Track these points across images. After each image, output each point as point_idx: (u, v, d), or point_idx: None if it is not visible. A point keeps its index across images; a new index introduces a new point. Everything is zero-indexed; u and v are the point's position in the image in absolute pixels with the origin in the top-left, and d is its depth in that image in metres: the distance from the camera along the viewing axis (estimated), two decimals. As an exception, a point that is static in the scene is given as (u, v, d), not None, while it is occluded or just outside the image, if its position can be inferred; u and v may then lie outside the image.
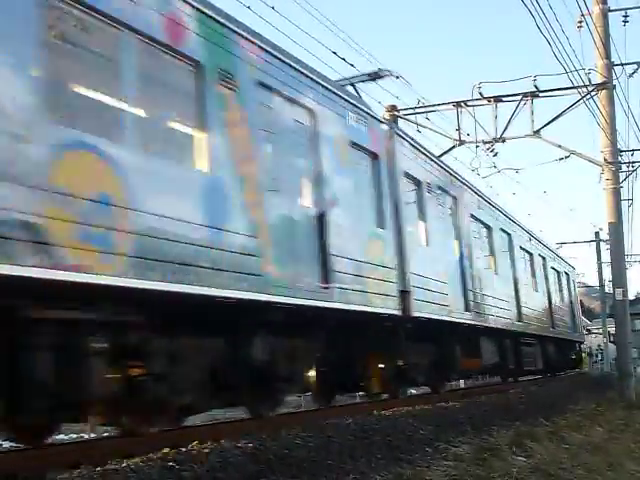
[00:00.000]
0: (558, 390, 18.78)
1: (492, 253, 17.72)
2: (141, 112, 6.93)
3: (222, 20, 8.05)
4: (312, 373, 11.81)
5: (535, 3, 11.74)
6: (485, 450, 8.00)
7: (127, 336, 6.89)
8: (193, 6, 7.60)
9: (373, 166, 11.38)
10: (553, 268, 25.72)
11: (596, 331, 51.57)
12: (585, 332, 49.50)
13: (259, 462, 6.39)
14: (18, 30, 5.73)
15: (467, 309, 14.74)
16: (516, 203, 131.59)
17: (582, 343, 33.91)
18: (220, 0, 8.29)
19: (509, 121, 18.59)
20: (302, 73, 9.56)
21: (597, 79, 17.97)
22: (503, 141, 18.89)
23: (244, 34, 8.42)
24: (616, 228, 18.17)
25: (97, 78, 6.58)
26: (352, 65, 15.61)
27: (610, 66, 18.05)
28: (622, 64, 18.65)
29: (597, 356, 48.83)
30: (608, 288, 38.49)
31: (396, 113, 18.99)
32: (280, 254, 8.47)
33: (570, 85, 17.33)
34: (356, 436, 8.08)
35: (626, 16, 18.72)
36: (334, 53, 14.47)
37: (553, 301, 24.38)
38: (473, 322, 14.93)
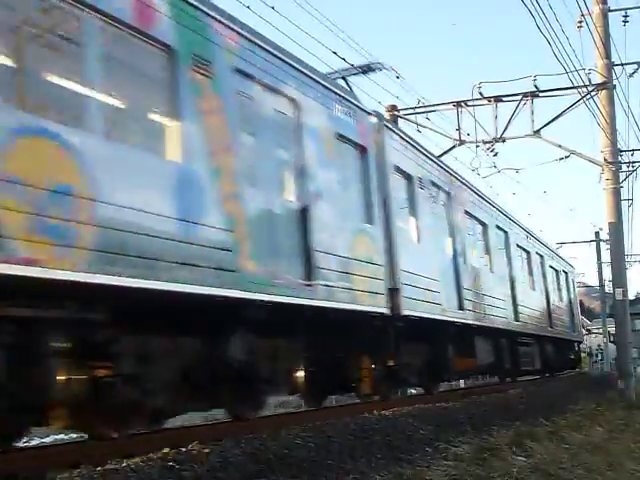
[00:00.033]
0: (558, 390, 18.68)
1: (487, 251, 17.31)
2: (106, 98, 6.55)
3: (196, 3, 7.64)
4: (301, 374, 11.55)
5: (535, 3, 11.73)
6: (485, 450, 7.97)
7: (92, 335, 6.49)
8: (164, -13, 7.20)
9: (361, 159, 10.98)
10: (551, 267, 25.30)
11: (596, 331, 51.60)
12: (585, 332, 49.35)
13: (259, 462, 6.34)
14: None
15: (461, 308, 14.32)
16: (516, 203, 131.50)
17: (581, 343, 33.53)
18: (220, 0, 8.19)
19: (509, 121, 18.72)
20: (284, 61, 9.16)
21: (597, 79, 17.99)
22: (503, 141, 18.97)
23: (220, 18, 8.02)
24: (616, 228, 18.19)
25: (56, 61, 6.19)
26: (353, 65, 15.60)
27: (610, 66, 18.07)
28: (622, 64, 18.73)
29: (597, 356, 48.68)
30: (608, 288, 38.47)
31: (396, 113, 19.41)
32: (259, 249, 8.08)
33: (570, 85, 17.39)
34: (356, 436, 8.03)
35: (626, 16, 18.81)
36: (334, 53, 14.40)
37: (551, 300, 23.95)
38: (467, 321, 14.51)
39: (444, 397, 14.14)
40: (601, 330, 45.68)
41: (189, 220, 7.11)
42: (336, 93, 10.42)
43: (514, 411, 12.52)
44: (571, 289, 29.02)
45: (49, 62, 6.16)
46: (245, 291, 7.72)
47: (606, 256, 38.09)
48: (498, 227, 18.59)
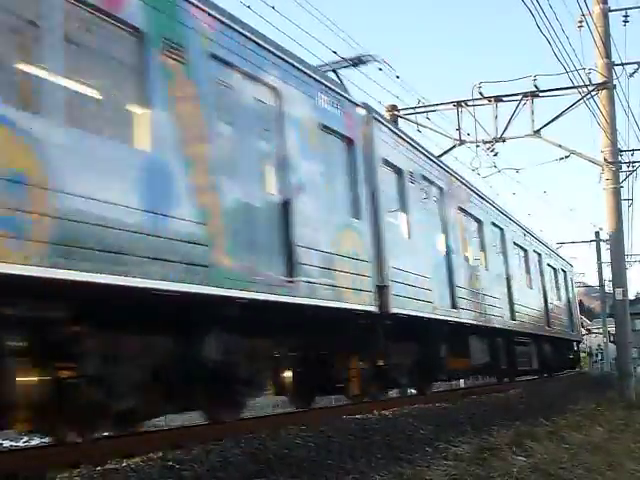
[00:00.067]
0: (558, 390, 18.57)
1: (482, 248, 16.90)
2: (68, 83, 6.16)
3: None
4: (288, 374, 11.20)
5: (535, 3, 11.69)
6: (485, 450, 7.95)
7: (53, 334, 6.13)
8: (132, -34, 6.81)
9: (348, 152, 10.59)
10: (549, 265, 24.87)
11: (596, 331, 51.51)
12: (585, 332, 49.15)
13: (259, 462, 6.32)
14: None
15: (454, 306, 13.92)
16: (516, 203, 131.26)
17: (580, 342, 33.13)
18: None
19: (509, 121, 18.82)
20: (265, 48, 8.78)
21: (597, 79, 18.01)
22: (503, 141, 19.05)
23: (195, 1, 7.63)
24: (616, 228, 18.17)
25: (12, 43, 5.81)
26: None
27: (610, 66, 18.08)
28: (622, 64, 18.79)
29: (597, 356, 48.56)
30: (608, 288, 38.40)
31: (396, 113, 19.48)
32: (236, 244, 7.71)
33: (570, 85, 17.44)
34: (356, 436, 8.00)
35: (626, 16, 18.84)
36: (334, 52, 14.22)
37: (549, 299, 23.52)
38: (460, 320, 14.11)
39: (444, 397, 13.98)
40: (601, 330, 45.68)
41: (158, 212, 6.73)
42: (321, 83, 10.03)
43: (514, 411, 12.45)
44: (570, 288, 28.58)
45: (4, 44, 5.77)
46: (220, 287, 7.34)
47: (606, 256, 38.42)
48: (494, 224, 18.18)
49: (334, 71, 12.83)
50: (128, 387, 6.82)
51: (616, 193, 18.29)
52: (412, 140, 13.44)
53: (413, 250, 12.27)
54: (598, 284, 44.53)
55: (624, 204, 22.66)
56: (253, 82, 8.52)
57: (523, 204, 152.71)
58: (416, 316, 11.94)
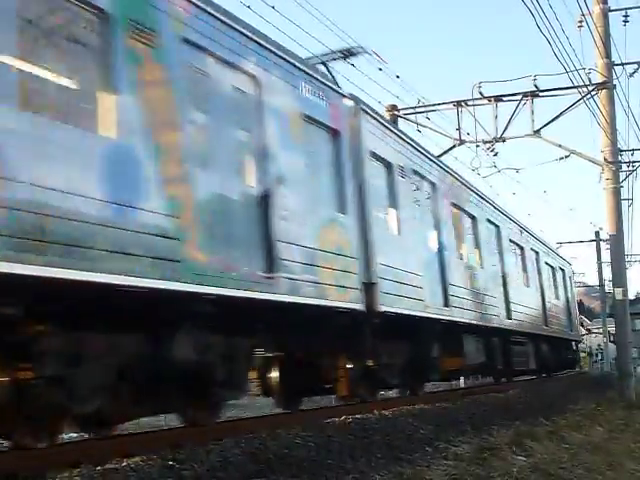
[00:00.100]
0: (558, 390, 18.58)
1: (477, 245, 16.46)
2: (22, 65, 5.77)
3: None
4: (274, 375, 10.77)
5: (535, 3, 11.75)
6: (485, 450, 7.96)
7: (9, 333, 5.74)
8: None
9: (333, 144, 10.18)
10: (547, 263, 24.42)
11: (596, 331, 51.50)
12: (585, 332, 48.87)
13: (259, 461, 6.33)
14: None
15: (446, 304, 13.50)
16: (516, 203, 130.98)
17: (579, 342, 32.72)
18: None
19: (509, 121, 18.93)
20: (244, 34, 8.38)
21: (597, 79, 18.09)
22: (503, 141, 19.16)
23: None
24: (616, 228, 18.23)
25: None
26: (353, 65, 15.50)
27: (610, 66, 18.17)
28: (622, 64, 18.93)
29: (597, 356, 48.55)
30: (608, 288, 38.36)
31: (396, 112, 19.51)
32: (210, 238, 7.31)
33: (570, 85, 17.50)
34: (356, 435, 7.98)
35: (626, 16, 18.96)
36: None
37: (547, 298, 23.08)
38: (453, 318, 13.68)
39: (444, 397, 13.90)
40: (601, 330, 45.63)
41: (124, 203, 6.33)
42: (304, 72, 9.63)
43: (514, 411, 12.41)
44: (568, 287, 28.15)
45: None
46: (192, 284, 6.94)
47: (606, 256, 38.46)
48: (489, 221, 17.76)
49: (324, 63, 12.44)
50: (91, 388, 6.42)
51: (616, 193, 18.33)
52: (403, 133, 13.01)
53: (403, 247, 11.85)
54: (598, 284, 44.40)
55: (624, 204, 22.81)
56: (230, 69, 8.13)
57: (523, 204, 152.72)
58: (406, 315, 11.53)
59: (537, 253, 22.90)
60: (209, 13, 7.81)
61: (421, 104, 19.59)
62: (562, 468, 7.25)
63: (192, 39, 7.52)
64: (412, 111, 19.67)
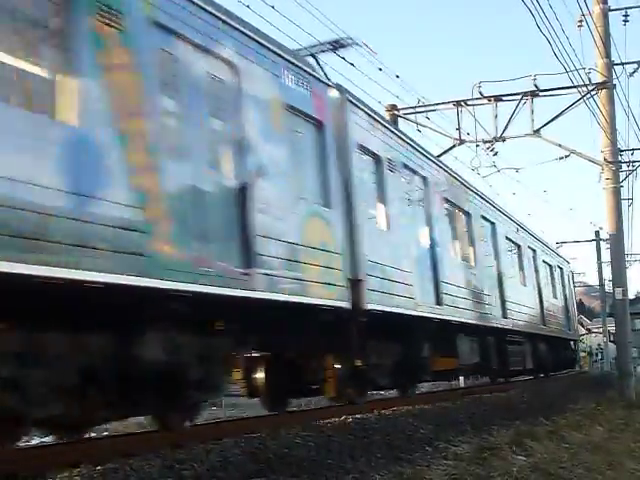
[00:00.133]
0: (558, 389, 18.56)
1: (471, 242, 16.04)
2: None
3: None
4: (260, 375, 10.51)
5: (535, 2, 11.72)
6: (485, 449, 7.97)
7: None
8: None
9: (317, 135, 9.77)
10: (545, 261, 23.99)
11: (596, 330, 51.49)
12: (585, 331, 48.61)
13: (259, 461, 6.32)
14: None
15: (439, 303, 13.09)
16: (516, 203, 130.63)
17: (578, 341, 32.30)
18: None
19: (509, 120, 18.98)
20: (221, 19, 7.99)
21: (597, 78, 18.13)
22: (503, 140, 19.23)
23: None
24: (616, 227, 18.25)
25: None
26: (352, 64, 15.62)
27: (610, 65, 18.21)
28: (622, 63, 18.99)
29: (597, 355, 48.43)
30: (608, 287, 38.41)
31: (396, 112, 19.54)
32: (182, 232, 6.92)
33: (570, 84, 17.49)
34: (356, 435, 7.99)
35: (626, 15, 19.01)
36: (334, 52, 13.56)
37: (544, 296, 22.65)
38: (446, 317, 13.27)
39: (444, 397, 13.90)
40: (601, 329, 45.54)
41: (85, 194, 5.94)
42: (287, 60, 9.23)
43: (514, 410, 12.40)
44: (567, 285, 27.74)
45: None
46: (160, 279, 6.55)
47: (606, 255, 38.56)
48: (484, 217, 17.36)
49: (313, 55, 12.08)
50: (50, 391, 6.02)
51: (616, 192, 18.34)
52: (392, 126, 12.61)
53: (392, 243, 11.45)
54: (598, 283, 44.48)
55: (624, 203, 22.77)
56: (205, 55, 7.74)
57: (523, 204, 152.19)
58: (396, 313, 11.13)
59: (534, 251, 22.48)
60: None
61: (421, 104, 19.63)
62: (562, 468, 7.21)
63: (163, 22, 7.14)
64: (412, 111, 19.71)
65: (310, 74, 9.79)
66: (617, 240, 18.52)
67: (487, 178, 22.01)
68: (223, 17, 8.04)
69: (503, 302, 17.53)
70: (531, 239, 22.53)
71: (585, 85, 17.64)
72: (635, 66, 19.25)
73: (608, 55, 18.18)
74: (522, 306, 19.48)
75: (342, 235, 9.87)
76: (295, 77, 9.35)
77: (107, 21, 6.45)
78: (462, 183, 16.18)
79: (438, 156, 16.37)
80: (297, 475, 6.15)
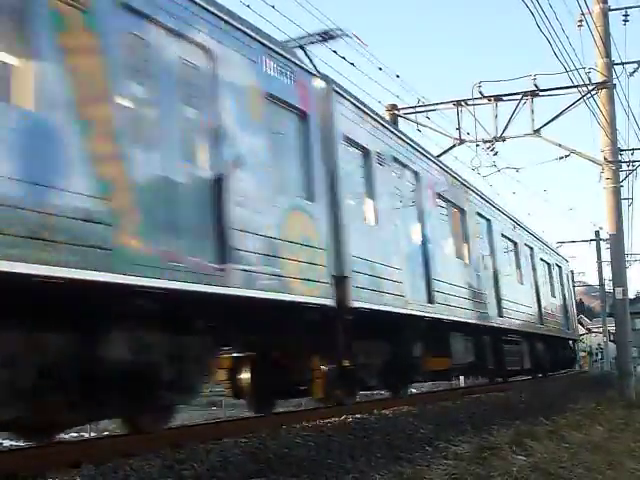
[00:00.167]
0: (558, 389, 18.55)
1: (466, 239, 15.64)
2: None
3: None
4: (245, 376, 10.23)
5: (535, 2, 11.71)
6: (485, 449, 7.96)
7: None
8: None
9: (301, 126, 9.37)
10: (542, 260, 23.57)
11: (596, 330, 51.42)
12: (585, 331, 48.37)
13: (259, 461, 6.33)
14: None
15: (430, 301, 12.69)
16: (516, 202, 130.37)
17: (577, 341, 31.89)
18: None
19: (509, 120, 19.03)
20: (195, 2, 7.61)
21: (597, 78, 18.16)
22: (503, 140, 19.27)
23: None
24: (616, 227, 18.26)
25: None
26: (352, 64, 15.62)
27: (610, 65, 18.24)
28: (622, 63, 19.02)
29: (597, 355, 48.25)
30: (608, 287, 38.52)
31: (396, 112, 19.59)
32: (149, 224, 6.55)
33: (570, 84, 17.51)
34: (356, 435, 7.99)
35: (626, 15, 19.05)
36: (334, 52, 14.03)
37: (542, 295, 22.23)
38: (438, 315, 12.87)
39: (444, 396, 13.89)
40: (601, 329, 45.37)
41: (42, 183, 5.58)
42: (268, 47, 8.84)
43: (514, 410, 12.41)
44: (565, 284, 27.34)
45: None
46: (125, 275, 6.17)
47: (606, 255, 38.81)
48: (479, 214, 16.96)
49: (301, 47, 11.69)
50: (4, 393, 5.65)
51: (616, 192, 18.33)
52: (382, 119, 12.19)
53: (381, 238, 11.06)
54: (598, 283, 44.49)
55: (624, 203, 22.76)
56: (179, 40, 7.37)
57: (523, 203, 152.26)
58: (385, 311, 10.74)
59: (531, 249, 22.07)
60: None
61: (421, 104, 19.62)
62: (562, 467, 7.20)
63: (133, 5, 6.78)
64: (412, 111, 19.70)
65: (293, 62, 9.41)
66: (617, 240, 18.48)
67: (487, 178, 22.21)
68: (198, 0, 7.68)
69: (499, 301, 17.13)
70: (528, 237, 22.13)
71: (585, 85, 17.61)
72: (635, 66, 19.27)
73: (608, 55, 18.16)
74: (519, 305, 19.09)
75: (326, 230, 9.48)
76: (277, 65, 8.97)
77: (70, 1, 6.09)
78: (456, 179, 15.80)
79: (438, 156, 16.26)
80: (297, 475, 6.12)
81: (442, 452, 7.85)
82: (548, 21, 14.02)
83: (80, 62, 6.14)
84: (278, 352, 9.93)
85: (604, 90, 17.99)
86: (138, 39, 6.92)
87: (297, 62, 9.58)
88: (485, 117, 19.95)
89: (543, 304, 22.12)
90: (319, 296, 9.04)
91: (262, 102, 8.55)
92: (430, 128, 19.64)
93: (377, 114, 11.95)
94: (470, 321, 14.68)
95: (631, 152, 22.81)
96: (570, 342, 29.07)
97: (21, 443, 7.03)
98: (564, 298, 26.65)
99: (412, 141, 13.56)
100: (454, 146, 19.63)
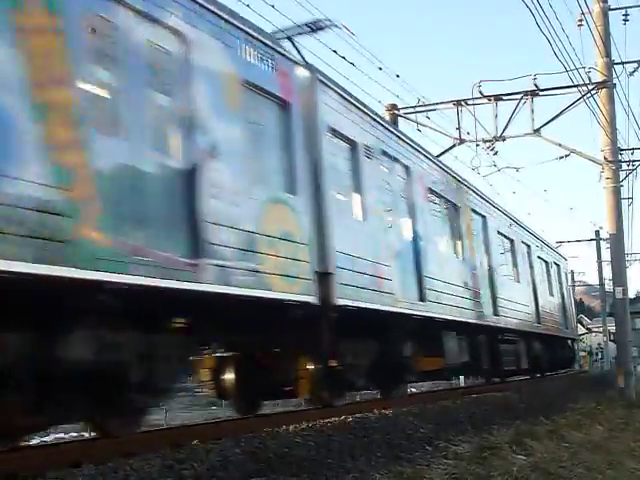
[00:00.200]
0: (558, 389, 18.51)
1: (459, 236, 15.23)
2: None
3: None
4: (229, 376, 9.93)
5: (535, 2, 11.73)
6: (485, 449, 7.96)
7: None
8: None
9: (282, 116, 8.98)
10: (540, 257, 23.15)
11: (596, 330, 51.33)
12: (585, 331, 48.09)
13: (259, 461, 6.33)
14: None
15: (422, 299, 12.30)
16: (516, 202, 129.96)
17: (577, 340, 31.48)
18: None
19: (509, 120, 19.09)
20: None
21: (597, 78, 18.23)
22: (503, 140, 19.30)
23: None
24: (616, 227, 18.33)
25: None
26: (352, 64, 15.56)
27: (610, 65, 18.33)
28: (622, 63, 19.10)
29: (597, 355, 48.07)
30: (608, 287, 38.40)
31: (396, 112, 19.60)
32: (114, 216, 6.17)
33: (570, 84, 17.51)
34: (356, 435, 8.00)
35: (626, 15, 19.14)
36: (334, 52, 14.15)
37: (540, 294, 21.82)
38: (430, 314, 12.47)
39: (444, 396, 13.87)
40: (601, 329, 45.31)
41: None
42: (246, 33, 8.45)
43: (514, 410, 12.42)
44: (564, 282, 26.93)
45: None
46: (85, 269, 5.79)
47: (606, 255, 38.46)
48: (474, 210, 16.56)
49: (289, 38, 11.31)
50: None
51: (616, 192, 18.39)
52: (371, 111, 11.78)
53: (368, 234, 10.66)
54: (598, 283, 44.38)
55: (624, 203, 22.74)
56: (149, 22, 6.99)
57: (523, 203, 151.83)
58: (372, 309, 10.34)
59: (528, 247, 21.65)
60: None
61: (421, 103, 19.63)
62: (562, 467, 7.21)
63: None
64: (412, 110, 19.69)
65: (274, 50, 9.03)
66: (617, 239, 18.47)
67: (487, 177, 21.99)
68: None
69: (494, 299, 16.74)
70: (525, 234, 21.72)
71: (585, 84, 17.57)
72: (635, 65, 19.28)
73: (608, 54, 18.16)
74: (515, 303, 18.67)
75: (309, 224, 9.09)
76: (255, 51, 8.59)
77: None
78: (450, 174, 15.40)
79: (438, 156, 16.16)
80: (297, 475, 6.11)
81: (442, 452, 7.83)
82: (548, 21, 14.06)
83: (37, 43, 5.77)
84: (262, 352, 9.59)
85: (604, 90, 17.97)
86: (104, 21, 6.54)
87: (278, 49, 9.19)
88: (485, 117, 20.01)
89: (541, 303, 21.72)
90: (300, 293, 8.65)
91: (239, 90, 8.17)
92: (430, 128, 19.66)
93: (365, 105, 11.55)
94: (464, 320, 14.28)
95: (631, 152, 22.84)
96: (569, 341, 28.69)
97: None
98: (562, 297, 26.25)
99: (403, 135, 13.17)
100: (454, 146, 19.60)
